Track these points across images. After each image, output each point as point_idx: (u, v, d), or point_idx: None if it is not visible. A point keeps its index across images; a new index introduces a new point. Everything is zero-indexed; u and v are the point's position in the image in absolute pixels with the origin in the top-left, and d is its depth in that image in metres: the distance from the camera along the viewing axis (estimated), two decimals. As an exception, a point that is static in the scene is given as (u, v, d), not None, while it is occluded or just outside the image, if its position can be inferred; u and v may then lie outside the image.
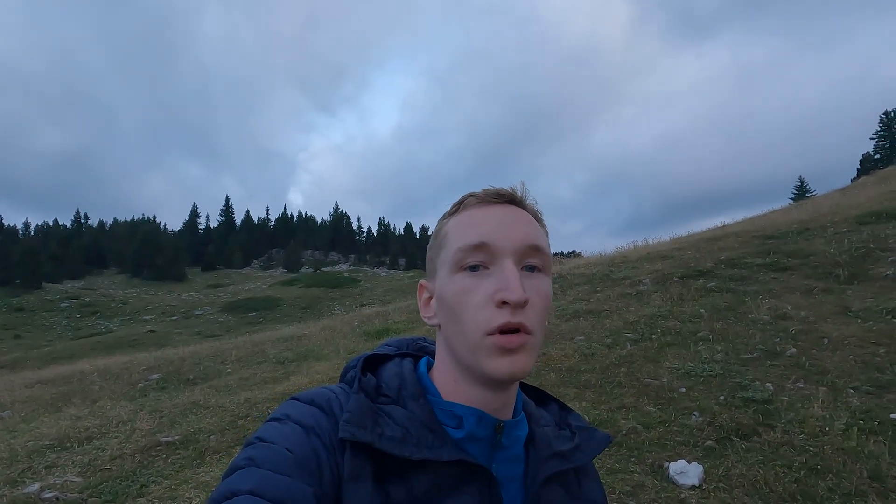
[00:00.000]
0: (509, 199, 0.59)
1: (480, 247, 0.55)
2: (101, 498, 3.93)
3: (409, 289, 35.84)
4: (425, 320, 0.61)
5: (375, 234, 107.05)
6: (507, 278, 0.52)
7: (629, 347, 5.61)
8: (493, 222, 0.56)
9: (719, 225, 14.09)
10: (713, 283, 7.06)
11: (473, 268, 0.55)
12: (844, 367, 4.43)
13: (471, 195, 0.60)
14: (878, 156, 49.26)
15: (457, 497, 0.52)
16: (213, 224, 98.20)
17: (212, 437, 4.96)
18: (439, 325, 0.59)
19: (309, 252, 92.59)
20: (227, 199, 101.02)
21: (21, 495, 3.93)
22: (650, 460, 3.60)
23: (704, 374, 4.68)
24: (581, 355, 5.63)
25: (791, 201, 45.95)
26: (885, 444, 3.38)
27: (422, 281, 0.64)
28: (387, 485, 0.51)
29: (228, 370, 8.13)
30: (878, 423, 3.60)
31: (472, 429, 0.55)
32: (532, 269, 0.56)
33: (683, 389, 4.48)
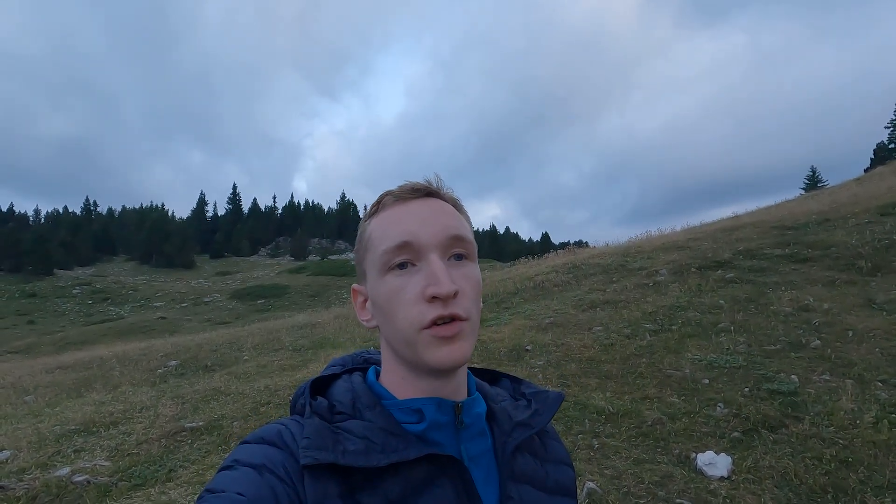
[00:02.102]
0: (426, 192, 0.60)
1: (403, 246, 0.55)
2: (130, 482, 3.99)
3: (417, 277, 35.98)
4: (363, 323, 0.62)
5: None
6: (434, 273, 0.54)
7: (649, 338, 5.59)
8: (413, 219, 0.57)
9: (732, 215, 13.96)
10: (732, 274, 7.00)
11: (401, 266, 0.56)
12: (871, 360, 4.40)
13: (388, 193, 0.60)
14: (892, 145, 48.39)
15: (431, 491, 0.53)
16: (221, 212, 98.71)
17: (235, 423, 5.01)
18: (378, 327, 0.60)
19: (316, 240, 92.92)
20: (235, 187, 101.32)
21: (53, 478, 4.00)
22: (677, 451, 3.60)
23: (727, 365, 4.66)
24: (601, 346, 5.62)
25: (802, 191, 45.38)
26: (916, 438, 3.35)
27: (354, 285, 0.64)
28: (358, 498, 0.51)
29: (245, 357, 8.20)
30: (908, 415, 3.57)
31: (434, 416, 0.56)
32: (459, 257, 0.57)
33: (707, 381, 4.47)
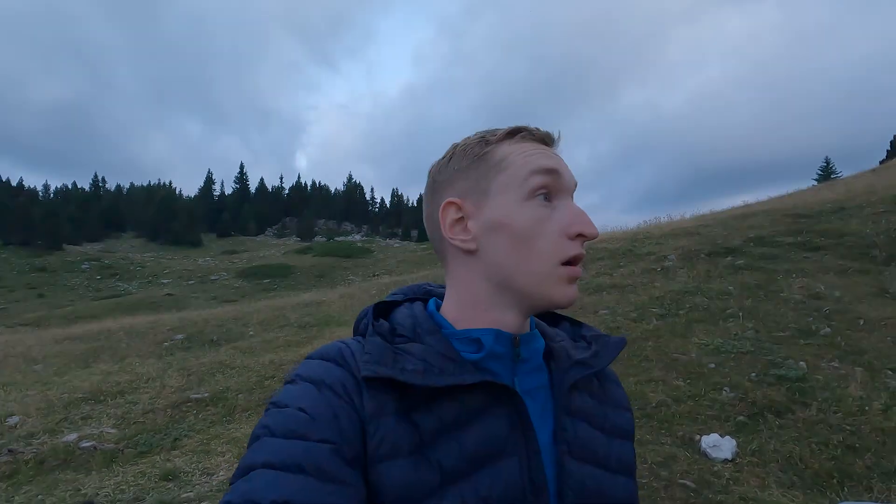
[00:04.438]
0: (554, 142, 0.61)
1: (553, 172, 0.56)
2: (136, 449, 4.04)
3: (423, 261, 35.90)
4: (456, 242, 0.59)
5: (388, 206, 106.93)
6: (581, 213, 0.56)
7: (655, 322, 5.55)
8: (557, 158, 0.58)
9: (741, 204, 13.77)
10: (742, 261, 6.91)
11: (544, 195, 0.56)
12: (882, 349, 4.34)
13: (525, 128, 0.60)
14: (911, 136, 47.37)
15: (485, 419, 0.53)
16: (228, 191, 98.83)
17: (240, 395, 5.05)
18: (474, 251, 0.58)
19: (322, 221, 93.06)
20: (242, 167, 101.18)
21: (60, 443, 4.06)
22: (681, 433, 3.58)
23: (735, 350, 4.61)
24: (606, 328, 5.58)
25: (815, 182, 44.70)
26: (926, 426, 3.31)
27: (452, 199, 0.59)
28: (414, 417, 0.52)
29: (251, 333, 8.25)
30: (920, 404, 3.52)
31: (491, 346, 0.57)
32: None
33: (713, 365, 4.43)
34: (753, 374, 4.18)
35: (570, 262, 0.55)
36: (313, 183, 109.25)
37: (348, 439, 0.49)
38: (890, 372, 3.99)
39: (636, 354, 4.86)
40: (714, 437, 3.44)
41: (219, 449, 3.91)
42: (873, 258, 6.25)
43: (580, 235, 0.55)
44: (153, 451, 4.03)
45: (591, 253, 9.17)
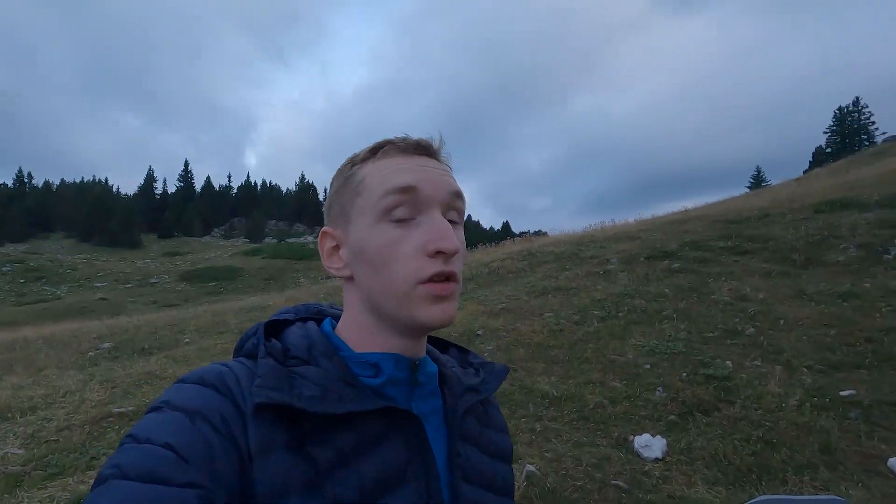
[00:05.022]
0: (428, 151, 0.58)
1: (408, 189, 0.54)
2: (46, 471, 3.70)
3: (376, 263, 35.60)
4: (332, 272, 0.59)
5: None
6: (440, 227, 0.53)
7: (596, 324, 5.69)
8: (418, 171, 0.55)
9: (680, 210, 14.47)
10: (678, 265, 7.23)
11: (399, 221, 0.54)
12: (799, 347, 4.63)
13: (389, 142, 0.58)
14: (829, 149, 51.61)
15: (384, 446, 0.52)
16: (171, 189, 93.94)
17: (168, 408, 4.76)
18: (351, 277, 0.58)
19: (273, 222, 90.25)
20: (187, 164, 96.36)
21: (-45, 468, 3.66)
22: (616, 434, 3.67)
23: (668, 351, 4.80)
24: (550, 331, 5.68)
25: (748, 189, 47.79)
26: (834, 420, 3.55)
27: (325, 228, 0.60)
28: (308, 448, 0.48)
29: (187, 340, 7.82)
30: (829, 400, 3.78)
31: (391, 372, 0.55)
32: (453, 222, 0.56)
33: (648, 366, 4.58)
34: (684, 374, 4.35)
35: (432, 280, 0.52)
36: (264, 182, 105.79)
37: (223, 483, 0.43)
38: (805, 369, 4.26)
39: (576, 357, 4.96)
40: (646, 437, 3.54)
41: (140, 467, 3.65)
42: (793, 262, 6.70)
43: (439, 252, 0.52)
44: (66, 472, 3.70)
45: (538, 257, 9.35)
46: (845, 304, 5.35)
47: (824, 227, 7.45)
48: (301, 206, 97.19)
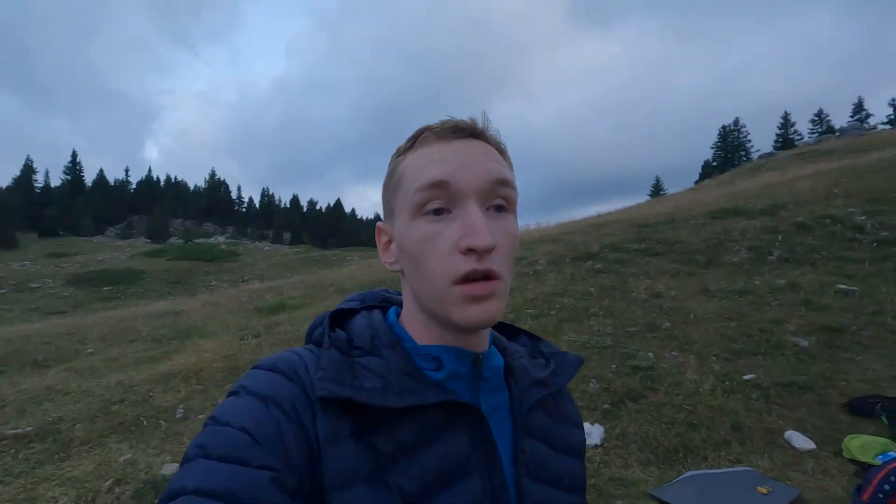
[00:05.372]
0: (470, 132, 0.55)
1: (439, 185, 0.51)
2: (-75, 507, 3.17)
3: (296, 265, 34.15)
4: (386, 266, 0.59)
5: (258, 206, 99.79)
6: (472, 223, 0.50)
7: (530, 322, 5.95)
8: (454, 159, 0.53)
9: (595, 214, 15.53)
10: (600, 265, 7.77)
11: (436, 212, 0.52)
12: (707, 339, 5.18)
13: (427, 129, 0.56)
14: (715, 163, 58.07)
15: (446, 438, 0.51)
16: (55, 183, 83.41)
17: (77, 426, 4.26)
18: (402, 272, 0.57)
19: (179, 221, 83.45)
20: (75, 155, 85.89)
21: None
22: (558, 425, 3.88)
23: (598, 346, 5.15)
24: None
25: (649, 197, 52.38)
26: (741, 401, 4.02)
27: (379, 223, 0.61)
28: (371, 439, 0.49)
29: (90, 350, 7.03)
30: (736, 383, 4.28)
31: (453, 366, 0.55)
32: (499, 208, 0.54)
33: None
34: (614, 366, 4.70)
35: (466, 280, 0.50)
36: (168, 178, 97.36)
37: (293, 467, 0.45)
38: (714, 358, 4.79)
39: (515, 353, 5.17)
40: (585, 425, 3.78)
41: (50, 494, 3.24)
42: (697, 262, 7.48)
43: (471, 249, 0.49)
44: (-49, 507, 3.19)
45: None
46: (741, 299, 6.07)
47: (721, 232, 8.39)
48: (211, 204, 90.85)
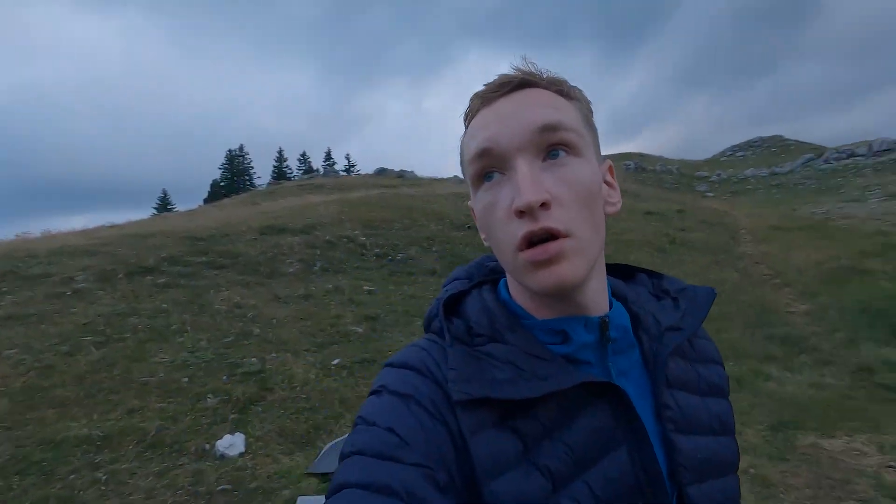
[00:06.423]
0: (515, 84, 0.52)
1: (483, 155, 0.50)
2: None
3: None
4: (484, 243, 0.57)
5: None
6: (518, 182, 0.47)
7: (97, 351, 4.84)
8: (494, 121, 0.50)
9: (109, 224, 13.45)
10: (164, 280, 7.08)
11: (488, 177, 0.51)
12: (295, 337, 5.90)
13: (475, 95, 0.54)
14: (223, 183, 60.88)
15: (586, 414, 0.50)
16: None
17: None
18: (492, 247, 0.55)
19: None
20: None
21: None
22: (193, 448, 3.56)
23: (199, 361, 4.88)
24: (32, 370, 4.33)
25: (155, 210, 48.66)
26: (339, 381, 4.96)
27: (468, 202, 0.59)
28: (512, 423, 0.48)
29: None
30: (330, 368, 5.19)
31: (582, 338, 0.53)
32: (556, 154, 0.49)
33: (187, 379, 4.52)
34: (225, 378, 4.64)
35: (531, 244, 0.47)
36: None
37: (442, 463, 0.46)
38: (306, 352, 5.55)
39: (97, 389, 4.15)
40: (226, 438, 3.67)
41: None
42: (262, 273, 8.13)
43: (521, 211, 0.47)
44: None
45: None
46: (307, 302, 7.18)
47: (273, 246, 9.39)
48: None
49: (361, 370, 5.29)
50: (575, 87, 0.55)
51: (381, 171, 28.10)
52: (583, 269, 0.48)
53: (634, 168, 33.66)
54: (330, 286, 7.94)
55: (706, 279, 10.41)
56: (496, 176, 0.50)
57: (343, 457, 0.48)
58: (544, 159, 0.49)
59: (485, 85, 0.53)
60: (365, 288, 8.12)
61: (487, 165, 0.51)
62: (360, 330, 6.36)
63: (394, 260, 10.00)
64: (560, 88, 0.53)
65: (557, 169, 0.49)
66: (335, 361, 5.35)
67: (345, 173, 49.29)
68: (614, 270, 0.65)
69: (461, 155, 0.56)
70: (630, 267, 0.66)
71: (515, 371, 0.49)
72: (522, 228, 0.47)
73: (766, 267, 10.67)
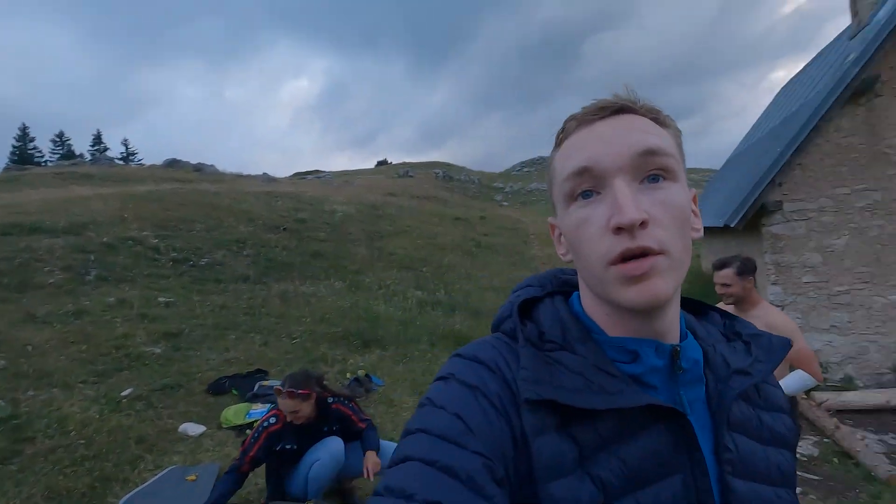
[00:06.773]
0: (614, 109, 0.54)
1: (582, 172, 0.52)
2: None
3: None
4: (561, 258, 0.59)
5: None
6: (618, 200, 0.49)
7: None
8: (594, 142, 0.52)
9: None
10: None
11: (585, 195, 0.52)
12: (64, 367, 4.67)
13: (571, 118, 0.56)
14: None
15: (647, 435, 0.50)
16: None
17: None
18: (573, 261, 0.57)
19: None
20: None
21: None
22: None
23: None
24: None
25: None
26: (133, 415, 4.11)
27: (549, 219, 0.62)
28: (572, 431, 0.49)
29: None
30: (117, 402, 4.26)
31: (651, 361, 0.53)
32: (656, 178, 0.51)
33: None
34: (-48, 432, 3.41)
35: (623, 260, 0.49)
36: None
37: (501, 458, 0.48)
38: (82, 385, 4.45)
39: None
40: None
41: None
42: (8, 286, 6.23)
43: (620, 228, 0.48)
44: None
45: None
46: (80, 321, 5.76)
47: (24, 251, 7.28)
48: None
49: (164, 399, 4.49)
50: (668, 115, 0.57)
51: (173, 163, 24.40)
52: (672, 287, 0.50)
53: (443, 176, 36.13)
54: (112, 299, 6.56)
55: (508, 278, 11.80)
56: (592, 195, 0.52)
57: (407, 432, 0.50)
58: (641, 181, 0.51)
59: (582, 108, 0.55)
60: (160, 299, 6.94)
61: (584, 183, 0.52)
62: (157, 350, 5.40)
63: (196, 265, 8.80)
64: (656, 116, 0.55)
65: (655, 192, 0.51)
66: (126, 392, 4.42)
67: (121, 162, 41.91)
68: (686, 304, 0.66)
69: (551, 172, 0.57)
70: (703, 304, 0.68)
71: (584, 382, 0.51)
72: (620, 245, 0.48)
73: (552, 267, 12.60)
